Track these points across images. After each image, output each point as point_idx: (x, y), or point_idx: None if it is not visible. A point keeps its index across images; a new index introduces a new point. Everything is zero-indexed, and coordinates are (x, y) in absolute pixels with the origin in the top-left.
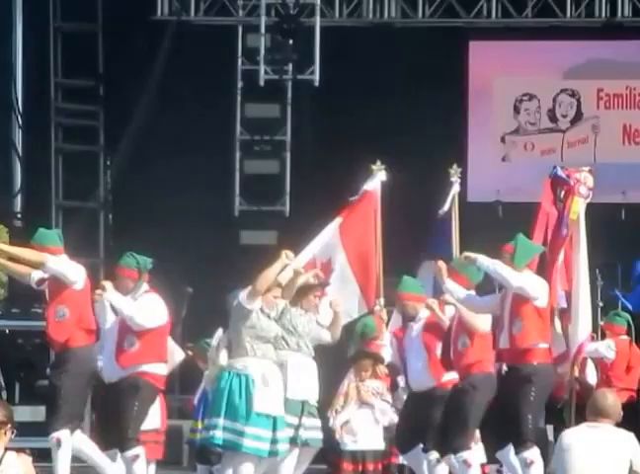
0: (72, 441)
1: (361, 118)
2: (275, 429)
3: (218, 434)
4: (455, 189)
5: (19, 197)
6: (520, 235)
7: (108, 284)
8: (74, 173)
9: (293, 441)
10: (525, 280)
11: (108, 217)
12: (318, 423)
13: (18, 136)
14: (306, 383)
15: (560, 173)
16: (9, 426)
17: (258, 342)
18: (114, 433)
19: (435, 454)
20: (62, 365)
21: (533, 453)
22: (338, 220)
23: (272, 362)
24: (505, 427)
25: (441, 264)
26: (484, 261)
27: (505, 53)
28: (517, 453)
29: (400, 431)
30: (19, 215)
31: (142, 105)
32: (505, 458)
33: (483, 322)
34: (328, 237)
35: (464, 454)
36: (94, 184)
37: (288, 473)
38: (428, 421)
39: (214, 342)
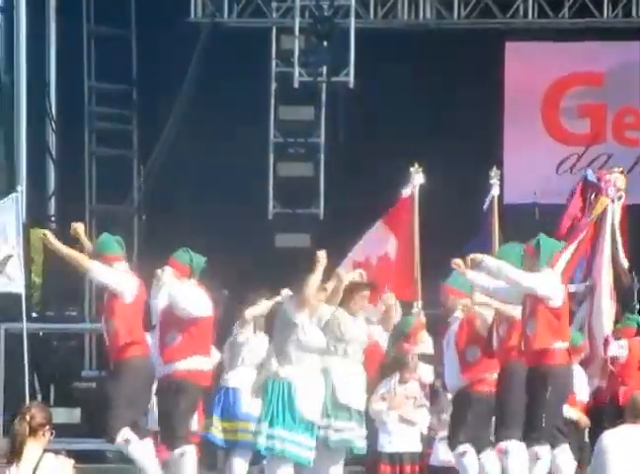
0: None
1: (396, 121)
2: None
3: (262, 441)
4: (495, 191)
5: (52, 201)
6: (541, 235)
7: (167, 269)
8: (108, 177)
9: (339, 445)
10: (536, 281)
11: (141, 221)
12: (363, 431)
13: (52, 140)
14: (352, 391)
15: (590, 177)
16: (47, 427)
17: (303, 352)
18: (162, 431)
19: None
20: (116, 376)
21: (543, 450)
22: (380, 223)
23: (315, 371)
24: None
25: (457, 260)
26: (489, 262)
27: (541, 54)
28: (527, 447)
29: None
30: (52, 219)
31: (176, 108)
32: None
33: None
34: (377, 236)
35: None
36: (127, 188)
37: None
38: (459, 420)
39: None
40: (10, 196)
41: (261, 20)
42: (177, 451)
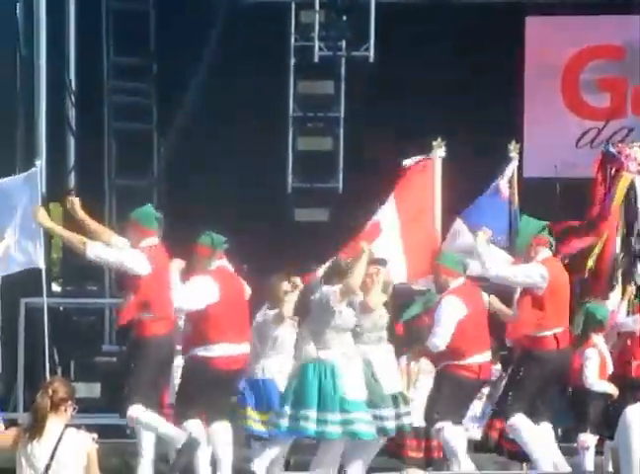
0: (148, 415)
1: (417, 95)
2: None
3: (312, 426)
4: (514, 165)
5: (72, 176)
6: (523, 217)
7: (173, 265)
8: (127, 151)
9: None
10: (509, 270)
11: (161, 195)
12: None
13: (71, 115)
14: (391, 376)
15: (611, 149)
16: (69, 402)
17: (339, 333)
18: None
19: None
20: (134, 352)
21: (516, 420)
22: (392, 198)
23: (353, 351)
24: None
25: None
26: (480, 247)
27: (561, 28)
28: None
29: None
30: (72, 193)
31: (195, 82)
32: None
33: None
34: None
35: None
36: (147, 162)
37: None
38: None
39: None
40: (29, 170)
41: None
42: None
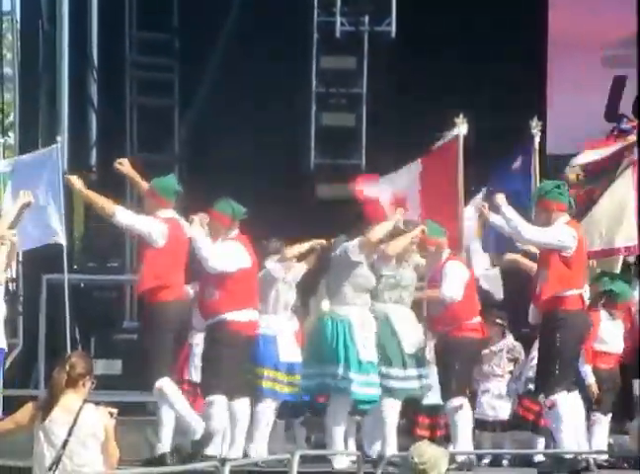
0: (173, 388)
1: (439, 70)
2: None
3: (342, 385)
4: (536, 141)
5: (94, 151)
6: (544, 182)
7: (196, 219)
8: (149, 126)
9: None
10: (540, 233)
11: (182, 170)
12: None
13: (93, 90)
14: (414, 334)
15: (624, 125)
16: (87, 377)
17: (358, 290)
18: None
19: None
20: (147, 321)
21: (558, 397)
22: (418, 164)
23: (369, 311)
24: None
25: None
26: (508, 213)
27: (585, 4)
28: (546, 396)
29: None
30: (94, 169)
31: (217, 57)
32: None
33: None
34: (407, 178)
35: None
36: (169, 137)
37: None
38: (448, 370)
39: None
40: (51, 146)
41: None
42: (234, 403)
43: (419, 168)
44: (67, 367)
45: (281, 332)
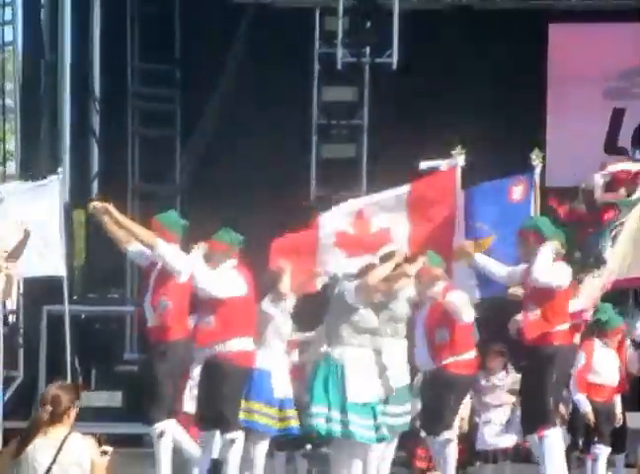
0: (174, 432)
1: (440, 102)
2: (375, 416)
3: (321, 422)
4: (537, 173)
5: (96, 182)
6: (537, 217)
7: (196, 248)
8: (151, 157)
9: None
10: (549, 277)
11: (184, 201)
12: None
13: (95, 121)
14: (404, 372)
15: (638, 155)
16: (72, 407)
17: (356, 332)
18: (212, 414)
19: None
20: (161, 357)
21: (551, 432)
22: (406, 189)
23: (368, 351)
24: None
25: (467, 243)
26: (480, 259)
27: (585, 36)
28: (538, 431)
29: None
30: (95, 199)
31: (219, 88)
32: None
33: None
34: (392, 204)
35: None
36: (170, 168)
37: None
38: (441, 404)
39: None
40: (51, 177)
41: (304, 0)
42: (228, 436)
43: (406, 194)
44: (49, 405)
45: (276, 367)
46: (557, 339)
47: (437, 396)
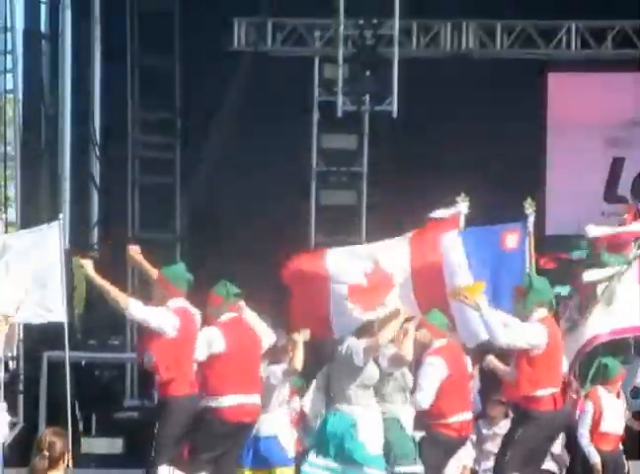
0: None
1: (439, 150)
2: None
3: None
4: (530, 222)
5: (96, 229)
6: (533, 275)
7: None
8: (150, 205)
9: None
10: (514, 336)
11: (184, 249)
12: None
13: (95, 168)
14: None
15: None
16: (65, 453)
17: (361, 389)
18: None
19: None
20: (161, 412)
21: None
22: (408, 237)
23: (374, 408)
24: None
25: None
26: (483, 309)
27: (585, 85)
28: None
29: None
30: (95, 247)
31: (219, 136)
32: None
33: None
34: (395, 251)
35: None
36: (170, 216)
37: None
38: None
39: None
40: (52, 223)
41: (304, 49)
42: None
43: (409, 242)
44: (46, 451)
45: (281, 429)
46: (538, 404)
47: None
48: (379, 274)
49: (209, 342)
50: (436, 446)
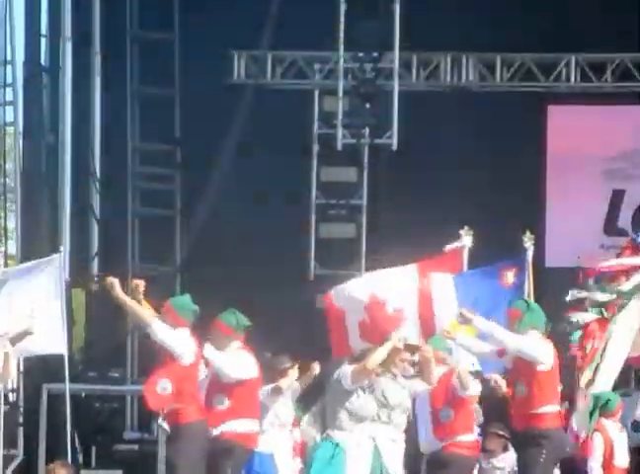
0: None
1: (439, 182)
2: None
3: None
4: (529, 255)
5: (96, 261)
6: (530, 301)
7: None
8: (150, 237)
9: None
10: (525, 343)
11: (184, 281)
12: None
13: (95, 200)
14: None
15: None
16: None
17: (353, 419)
18: None
19: None
20: (175, 442)
21: None
22: (414, 270)
23: (366, 439)
24: None
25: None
26: (480, 323)
27: (584, 118)
28: None
29: None
30: (95, 279)
31: (218, 168)
32: None
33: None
34: (403, 285)
35: None
36: (170, 248)
37: None
38: None
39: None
40: (53, 255)
41: (303, 81)
42: None
43: (416, 275)
44: None
45: (278, 449)
46: (544, 421)
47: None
48: (379, 306)
49: (246, 364)
50: (452, 469)
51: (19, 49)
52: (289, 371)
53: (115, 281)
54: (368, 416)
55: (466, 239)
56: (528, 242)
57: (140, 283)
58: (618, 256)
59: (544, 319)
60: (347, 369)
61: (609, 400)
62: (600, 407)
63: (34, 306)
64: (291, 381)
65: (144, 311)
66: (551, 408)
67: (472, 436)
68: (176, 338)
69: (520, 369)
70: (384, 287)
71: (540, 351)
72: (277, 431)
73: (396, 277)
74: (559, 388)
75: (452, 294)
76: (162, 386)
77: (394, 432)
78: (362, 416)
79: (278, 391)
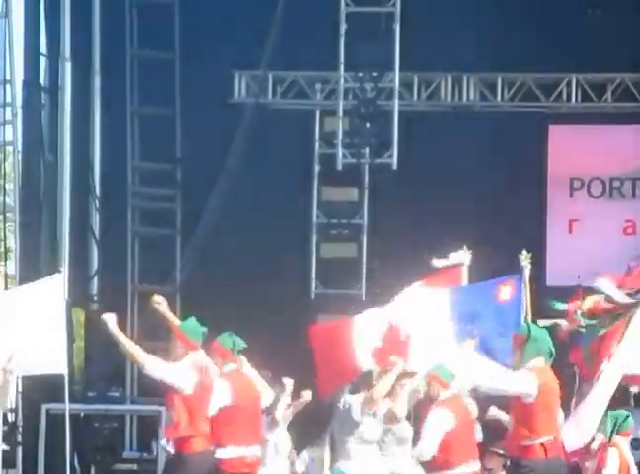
0: None
1: (440, 202)
2: None
3: None
4: (526, 274)
5: (95, 281)
6: (532, 326)
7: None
8: (150, 256)
9: None
10: (505, 384)
11: (184, 301)
12: None
13: (95, 219)
14: None
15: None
16: None
17: (361, 444)
18: None
19: None
20: (177, 469)
21: None
22: (417, 287)
23: (374, 465)
24: None
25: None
26: (467, 359)
27: (585, 138)
28: None
29: None
30: (95, 298)
31: (219, 187)
32: None
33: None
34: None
35: None
36: (170, 267)
37: None
38: None
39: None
40: (52, 275)
41: (304, 101)
42: None
43: (418, 298)
44: None
45: None
46: (529, 453)
47: None
48: (394, 332)
49: (219, 395)
50: None
51: (18, 69)
52: (279, 403)
53: (109, 318)
54: (375, 440)
55: (465, 258)
56: (525, 261)
57: (161, 300)
58: (627, 275)
59: (549, 344)
60: (354, 400)
61: (628, 417)
62: (619, 424)
63: (11, 355)
64: (283, 410)
65: (138, 351)
66: (538, 440)
67: (463, 468)
68: (173, 373)
69: (509, 401)
70: (395, 315)
71: (522, 386)
72: (276, 461)
73: (405, 303)
74: (557, 414)
75: (448, 312)
76: (168, 418)
77: (401, 449)
78: (369, 440)
79: (274, 423)
